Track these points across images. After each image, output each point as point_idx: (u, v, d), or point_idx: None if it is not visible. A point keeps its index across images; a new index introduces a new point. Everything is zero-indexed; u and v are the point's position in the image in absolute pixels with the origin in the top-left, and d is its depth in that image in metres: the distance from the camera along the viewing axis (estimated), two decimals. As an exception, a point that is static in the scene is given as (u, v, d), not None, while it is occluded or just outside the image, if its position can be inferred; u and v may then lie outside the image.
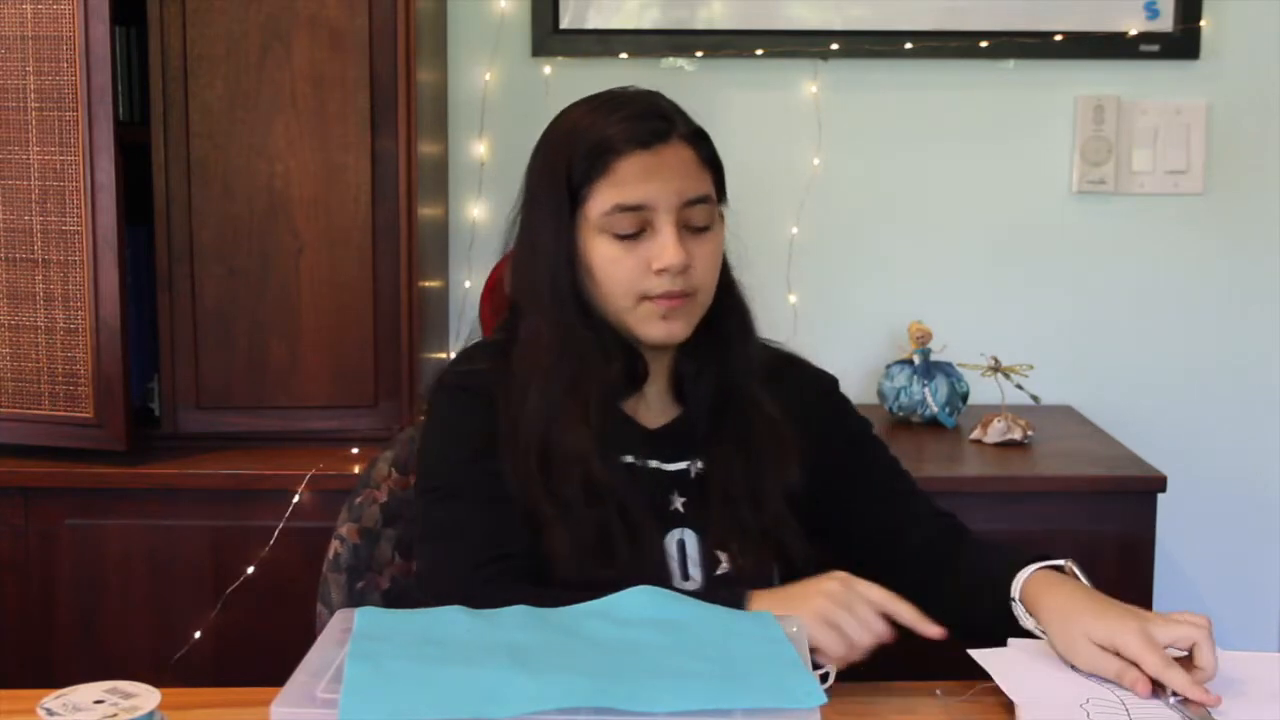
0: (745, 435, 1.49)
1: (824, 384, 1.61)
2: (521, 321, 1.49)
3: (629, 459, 1.48)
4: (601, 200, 1.43)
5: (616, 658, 1.18)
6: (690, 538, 1.48)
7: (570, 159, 1.45)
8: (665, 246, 1.41)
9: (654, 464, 1.49)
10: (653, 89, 1.51)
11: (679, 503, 1.48)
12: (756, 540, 1.47)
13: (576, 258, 1.45)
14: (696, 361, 1.50)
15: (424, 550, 1.47)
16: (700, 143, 1.48)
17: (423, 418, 1.55)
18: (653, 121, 1.44)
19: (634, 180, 1.42)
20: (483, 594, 1.30)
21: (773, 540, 1.48)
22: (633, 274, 1.43)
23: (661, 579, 1.42)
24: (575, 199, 1.44)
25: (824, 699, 1.10)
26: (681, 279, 1.43)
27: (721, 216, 1.51)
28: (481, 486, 1.43)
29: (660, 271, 1.42)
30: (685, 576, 1.47)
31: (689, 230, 1.44)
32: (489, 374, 1.48)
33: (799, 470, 1.49)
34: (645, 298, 1.43)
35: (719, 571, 1.47)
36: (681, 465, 1.50)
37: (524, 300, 1.50)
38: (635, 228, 1.42)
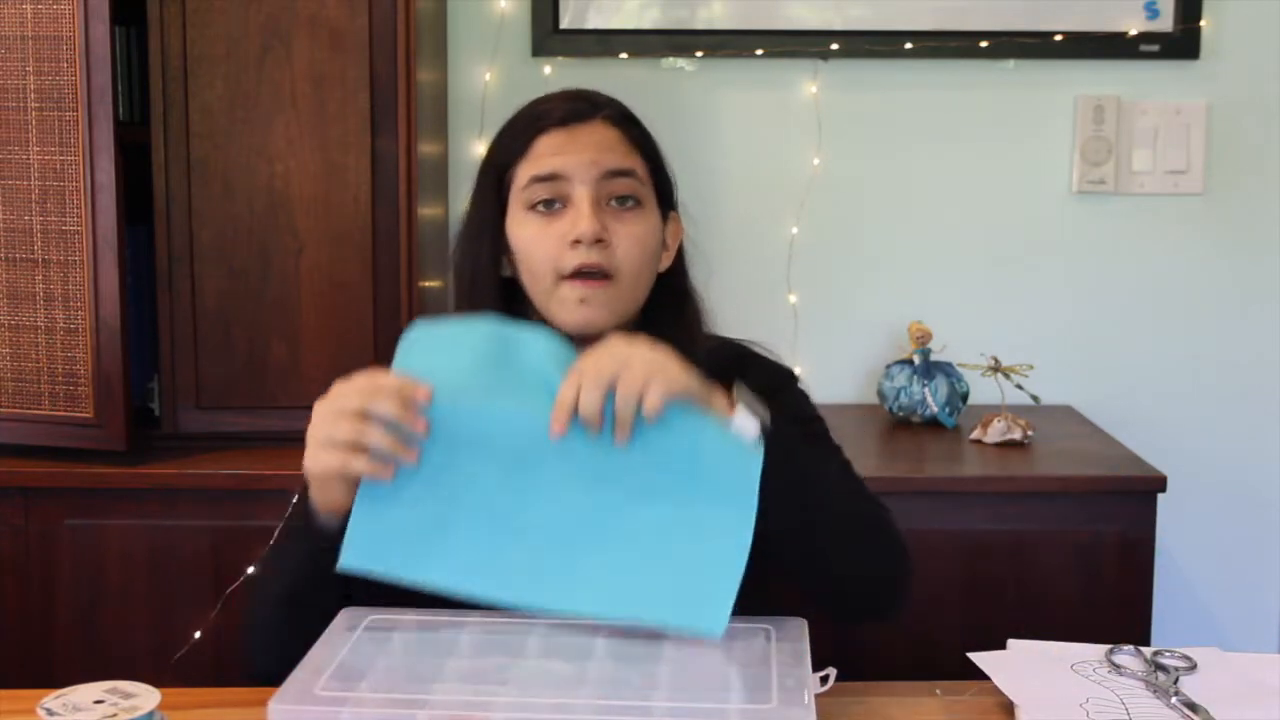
0: None
1: (775, 378, 1.56)
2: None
3: None
4: (521, 177, 1.44)
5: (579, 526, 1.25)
6: None
7: (499, 143, 1.48)
8: (580, 216, 1.40)
9: None
10: (605, 92, 1.51)
11: None
12: None
13: (505, 246, 1.46)
14: None
15: None
16: (630, 126, 1.47)
17: None
18: (576, 104, 1.45)
19: (550, 154, 1.43)
20: None
21: None
22: (551, 249, 1.41)
23: None
24: (502, 183, 1.46)
25: (720, 633, 1.18)
26: (598, 252, 1.40)
27: (670, 214, 1.50)
28: None
29: (575, 243, 1.40)
30: None
31: (612, 205, 1.43)
32: None
33: None
34: (563, 276, 1.41)
35: None
36: None
37: (457, 292, 1.51)
38: (551, 195, 1.42)
